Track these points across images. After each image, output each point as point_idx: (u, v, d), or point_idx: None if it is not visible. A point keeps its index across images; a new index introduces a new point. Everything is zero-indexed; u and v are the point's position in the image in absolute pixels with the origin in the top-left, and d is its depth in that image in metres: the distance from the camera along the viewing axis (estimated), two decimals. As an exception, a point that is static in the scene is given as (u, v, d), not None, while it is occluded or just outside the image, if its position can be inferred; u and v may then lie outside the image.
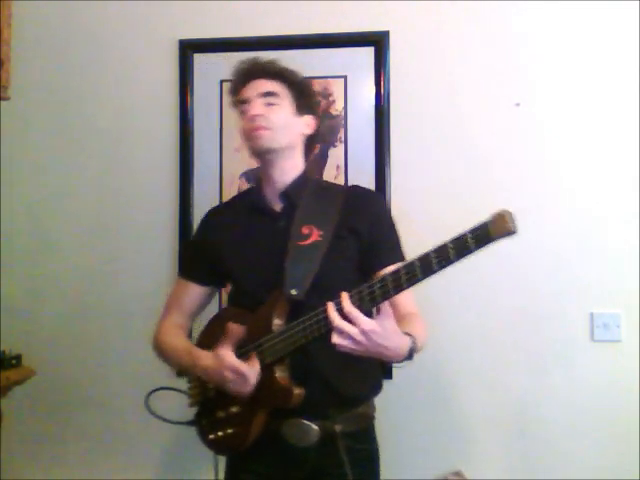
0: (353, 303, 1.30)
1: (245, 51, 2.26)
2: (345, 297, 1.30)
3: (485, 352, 2.14)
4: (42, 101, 2.38)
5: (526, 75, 2.17)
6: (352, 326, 1.28)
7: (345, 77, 2.20)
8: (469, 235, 1.19)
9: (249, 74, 1.64)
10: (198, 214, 2.25)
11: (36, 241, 2.38)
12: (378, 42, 2.20)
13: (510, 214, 1.18)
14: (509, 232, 1.18)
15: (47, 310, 2.36)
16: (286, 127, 1.59)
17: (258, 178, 1.71)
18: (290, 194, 1.60)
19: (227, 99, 2.04)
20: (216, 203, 2.23)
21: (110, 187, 2.34)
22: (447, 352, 2.11)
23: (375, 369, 1.65)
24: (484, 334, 2.14)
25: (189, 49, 2.29)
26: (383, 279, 1.29)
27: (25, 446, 2.32)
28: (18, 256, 2.37)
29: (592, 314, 2.10)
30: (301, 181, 1.62)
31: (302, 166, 1.65)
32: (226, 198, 2.21)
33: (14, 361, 2.07)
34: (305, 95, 1.66)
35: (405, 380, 2.08)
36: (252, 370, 1.45)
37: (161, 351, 1.70)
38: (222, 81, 2.28)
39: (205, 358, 1.52)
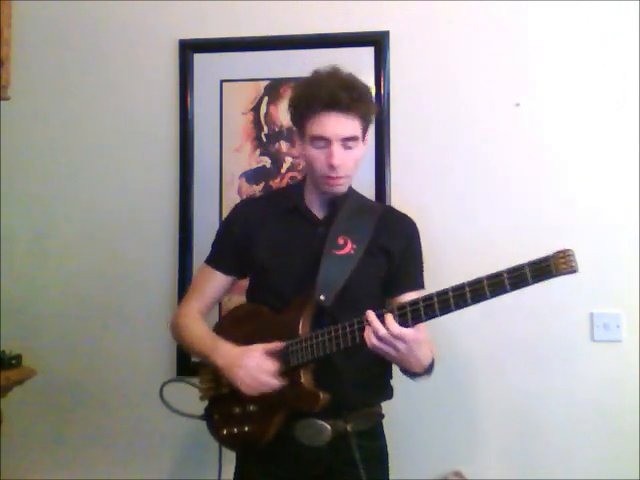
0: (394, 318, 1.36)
1: (245, 51, 2.28)
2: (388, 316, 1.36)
3: (485, 352, 2.14)
4: (42, 101, 2.37)
5: (526, 75, 2.17)
6: (388, 329, 1.35)
7: (345, 77, 2.20)
8: (528, 268, 1.25)
9: (331, 103, 1.48)
10: (198, 214, 2.26)
11: (36, 241, 2.37)
12: (378, 42, 2.20)
13: (573, 253, 1.24)
14: (572, 271, 1.24)
15: (47, 310, 2.35)
16: (357, 165, 1.59)
17: (302, 180, 1.70)
18: (337, 203, 1.60)
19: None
20: (216, 203, 2.24)
21: (110, 187, 2.34)
22: (447, 353, 2.10)
23: (387, 376, 1.69)
24: (484, 334, 2.14)
25: (189, 49, 2.29)
26: (430, 297, 1.36)
27: (25, 446, 2.32)
28: (18, 256, 2.36)
29: (592, 314, 2.11)
30: (347, 192, 1.62)
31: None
32: (226, 198, 2.23)
33: (14, 361, 2.06)
34: (371, 120, 1.58)
35: (405, 380, 2.07)
36: (275, 369, 1.49)
37: (180, 333, 1.69)
38: (222, 81, 2.28)
39: (230, 347, 1.54)
